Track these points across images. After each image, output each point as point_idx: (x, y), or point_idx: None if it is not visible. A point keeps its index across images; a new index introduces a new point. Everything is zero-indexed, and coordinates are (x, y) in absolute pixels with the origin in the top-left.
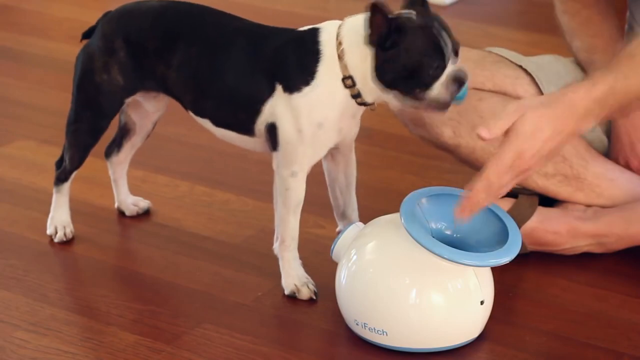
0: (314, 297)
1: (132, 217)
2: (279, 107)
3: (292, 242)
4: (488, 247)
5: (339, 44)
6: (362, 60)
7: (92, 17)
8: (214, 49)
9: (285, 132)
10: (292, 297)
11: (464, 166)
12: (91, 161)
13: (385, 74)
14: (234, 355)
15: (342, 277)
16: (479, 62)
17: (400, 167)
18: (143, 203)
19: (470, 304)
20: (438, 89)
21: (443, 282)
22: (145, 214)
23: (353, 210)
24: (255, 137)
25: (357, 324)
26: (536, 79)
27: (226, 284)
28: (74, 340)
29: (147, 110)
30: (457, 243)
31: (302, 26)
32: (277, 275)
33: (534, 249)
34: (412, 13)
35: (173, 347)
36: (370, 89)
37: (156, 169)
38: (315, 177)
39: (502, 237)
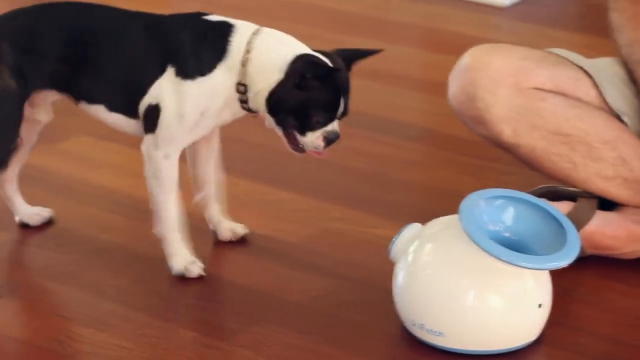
0: (204, 274)
1: (189, 214)
2: (166, 89)
3: (174, 222)
4: (546, 250)
5: (247, 51)
6: (262, 78)
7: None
8: (109, 34)
9: (167, 114)
10: (183, 277)
11: (522, 168)
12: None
13: (277, 102)
14: (291, 354)
15: (400, 278)
16: (540, 62)
17: (457, 168)
18: (45, 212)
19: (527, 306)
20: (309, 138)
21: (501, 285)
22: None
23: (211, 183)
24: (138, 120)
25: (414, 325)
26: (597, 81)
27: (284, 283)
28: (131, 336)
29: (33, 121)
30: (515, 245)
31: (362, 26)
32: (336, 276)
33: (592, 253)
34: (338, 63)
35: (229, 345)
36: (257, 103)
37: None
38: (373, 178)
39: (561, 240)
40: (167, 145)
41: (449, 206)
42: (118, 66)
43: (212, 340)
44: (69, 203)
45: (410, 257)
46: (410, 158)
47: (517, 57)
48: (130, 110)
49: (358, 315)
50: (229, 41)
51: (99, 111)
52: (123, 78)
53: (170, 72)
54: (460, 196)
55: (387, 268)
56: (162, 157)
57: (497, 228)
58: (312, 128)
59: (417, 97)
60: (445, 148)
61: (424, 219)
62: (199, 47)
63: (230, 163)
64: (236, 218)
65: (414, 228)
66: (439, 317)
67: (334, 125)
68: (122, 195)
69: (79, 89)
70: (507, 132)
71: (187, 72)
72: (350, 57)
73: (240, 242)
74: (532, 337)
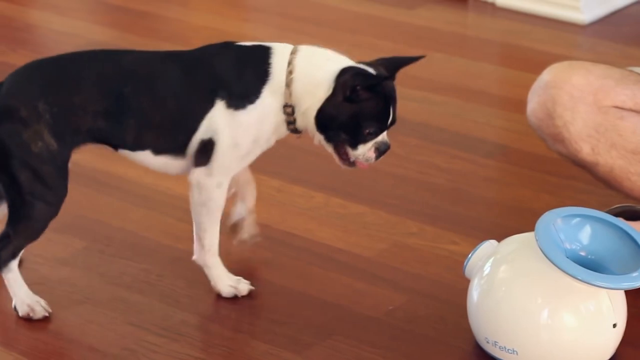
0: (252, 288)
1: (265, 225)
2: (219, 122)
3: (216, 249)
4: (622, 270)
5: (289, 72)
6: (309, 95)
7: (229, 26)
8: (146, 79)
9: (223, 145)
10: (234, 297)
11: (599, 186)
12: None
13: (327, 118)
14: None
15: (474, 294)
16: (620, 81)
17: (534, 185)
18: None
19: (602, 326)
20: (361, 151)
21: (576, 303)
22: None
23: (253, 215)
24: (186, 158)
25: (487, 342)
26: None
27: (358, 297)
28: (205, 346)
29: None
30: (591, 264)
31: (441, 42)
32: (410, 290)
33: None
34: (378, 69)
35: (302, 357)
36: (305, 122)
37: (292, 179)
38: (450, 194)
39: (637, 260)
40: (221, 174)
41: (525, 224)
42: (162, 109)
43: (284, 352)
44: (146, 212)
45: (485, 274)
46: (487, 174)
47: (597, 75)
48: (178, 150)
49: (431, 330)
50: (270, 64)
51: (144, 156)
52: (170, 120)
53: (220, 105)
54: (537, 214)
55: (461, 284)
56: (215, 186)
57: (574, 247)
58: (364, 140)
59: (495, 114)
60: (523, 165)
61: (499, 236)
62: (242, 75)
63: (306, 175)
64: (310, 230)
65: (490, 245)
66: (512, 334)
67: (384, 136)
68: None
69: (121, 138)
70: (586, 150)
71: (237, 102)
72: (393, 65)
73: (317, 256)
74: (606, 357)
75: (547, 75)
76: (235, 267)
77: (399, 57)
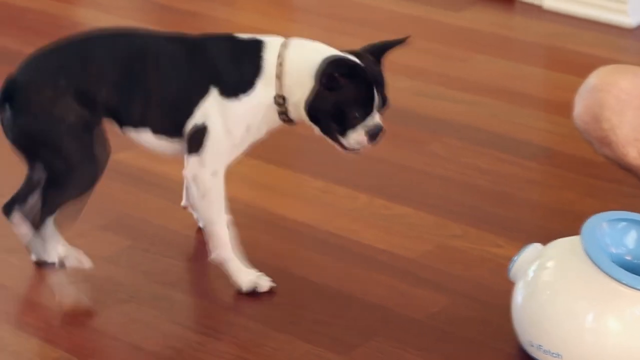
0: (274, 284)
1: (309, 226)
2: (212, 108)
3: (229, 242)
4: None
5: (280, 64)
6: (298, 87)
7: (275, 26)
8: (154, 59)
9: (215, 132)
10: (254, 292)
11: None
12: (272, 169)
13: (314, 109)
14: None
15: (519, 298)
16: None
17: (579, 189)
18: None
19: None
20: (352, 137)
21: (621, 308)
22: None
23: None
24: (181, 141)
25: (531, 345)
26: None
27: (401, 299)
28: (249, 346)
29: None
30: (637, 269)
31: (486, 44)
32: (453, 292)
33: None
34: (366, 58)
35: (346, 359)
36: (298, 113)
37: (336, 180)
38: (494, 196)
39: None
40: (214, 162)
41: (569, 227)
42: (164, 89)
43: (328, 353)
44: (190, 211)
45: (530, 277)
46: (532, 177)
47: None
48: (174, 132)
49: (475, 333)
50: (262, 57)
51: (144, 134)
52: (170, 101)
53: (214, 92)
54: (582, 217)
55: (505, 287)
56: (210, 175)
57: (619, 251)
58: (352, 126)
59: (539, 116)
60: (568, 168)
61: (543, 239)
62: (237, 66)
63: (351, 176)
64: (354, 231)
65: (535, 248)
66: (557, 338)
67: (373, 119)
68: (244, 204)
69: (127, 113)
70: (632, 154)
71: (230, 91)
72: (378, 50)
73: (361, 256)
74: None
75: (594, 78)
76: (278, 264)
77: (385, 42)
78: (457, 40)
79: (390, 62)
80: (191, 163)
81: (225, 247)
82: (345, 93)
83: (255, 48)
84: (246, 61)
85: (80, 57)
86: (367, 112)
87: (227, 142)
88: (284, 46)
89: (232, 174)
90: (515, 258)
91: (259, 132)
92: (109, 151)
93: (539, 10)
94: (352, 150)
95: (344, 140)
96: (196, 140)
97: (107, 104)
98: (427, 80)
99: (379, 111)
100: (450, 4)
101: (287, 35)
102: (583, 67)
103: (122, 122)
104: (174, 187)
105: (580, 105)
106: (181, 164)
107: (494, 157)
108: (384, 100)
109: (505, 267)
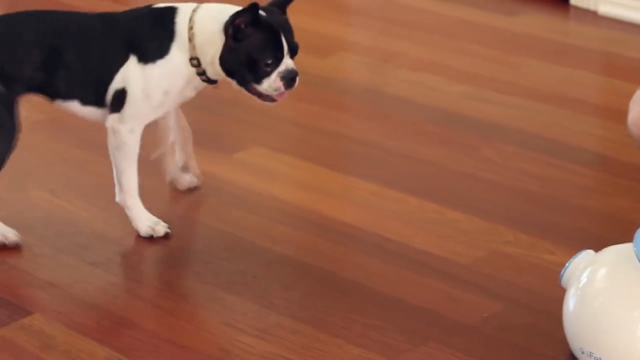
0: (169, 231)
1: (359, 229)
2: (131, 74)
3: (135, 189)
4: None
5: (190, 28)
6: (209, 46)
7: (329, 29)
8: (76, 36)
9: (134, 95)
10: (150, 237)
11: None
12: (322, 172)
13: (227, 62)
14: None
15: (571, 305)
16: None
17: (633, 196)
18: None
19: None
20: (267, 84)
21: None
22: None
23: (193, 160)
24: (105, 108)
25: (582, 352)
26: None
27: (452, 303)
28: (298, 349)
29: None
30: None
31: (540, 49)
32: (504, 299)
33: None
34: (270, 10)
35: None
36: (215, 71)
37: (386, 183)
38: (546, 202)
39: None
40: (132, 120)
41: (622, 234)
42: (87, 63)
43: (378, 357)
44: (242, 213)
45: (582, 285)
46: (585, 183)
47: None
48: (100, 102)
49: (525, 339)
50: (175, 22)
51: (74, 106)
52: (92, 73)
53: (133, 60)
54: (635, 225)
55: (556, 294)
56: (128, 131)
57: None
58: (267, 73)
59: (594, 122)
60: (621, 175)
61: (596, 246)
62: (153, 33)
63: (400, 179)
64: (405, 235)
65: (587, 255)
66: (608, 345)
67: (286, 64)
68: (294, 207)
69: (54, 88)
70: None
71: (147, 57)
72: (283, 2)
73: (411, 261)
74: None
75: None
76: (330, 267)
77: None
78: (511, 45)
79: (443, 67)
80: (111, 117)
81: (129, 194)
82: (254, 41)
83: (169, 15)
84: (161, 28)
85: (10, 36)
86: (278, 57)
87: (145, 105)
88: (194, 11)
89: (283, 176)
90: (567, 264)
91: (182, 94)
92: (19, 128)
93: (594, 15)
94: (269, 97)
95: (259, 88)
96: (117, 101)
97: (33, 81)
98: (480, 85)
99: (291, 57)
100: (504, 9)
101: (342, 38)
102: (638, 73)
103: (51, 96)
104: (226, 189)
105: (635, 112)
106: (233, 167)
107: (547, 163)
108: (293, 47)
109: (557, 274)
